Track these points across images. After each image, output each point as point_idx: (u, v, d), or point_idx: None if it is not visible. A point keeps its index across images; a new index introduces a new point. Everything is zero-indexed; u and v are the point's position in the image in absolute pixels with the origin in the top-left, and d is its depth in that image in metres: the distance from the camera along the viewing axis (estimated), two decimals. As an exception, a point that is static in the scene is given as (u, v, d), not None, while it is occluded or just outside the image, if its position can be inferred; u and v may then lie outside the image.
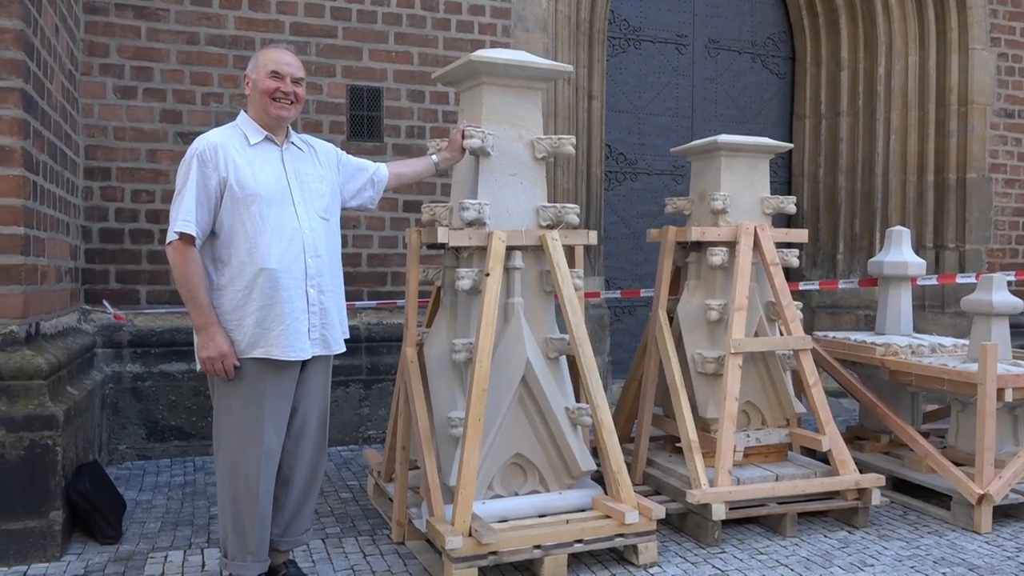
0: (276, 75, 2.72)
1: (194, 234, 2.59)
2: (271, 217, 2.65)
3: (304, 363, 2.76)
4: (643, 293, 5.31)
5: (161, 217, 4.73)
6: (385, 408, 4.91)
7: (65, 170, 4.09)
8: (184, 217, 2.58)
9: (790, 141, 7.24)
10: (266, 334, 2.63)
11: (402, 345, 3.53)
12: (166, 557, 3.22)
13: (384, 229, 5.17)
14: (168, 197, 4.66)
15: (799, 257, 4.11)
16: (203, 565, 3.15)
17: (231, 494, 2.69)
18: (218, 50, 4.84)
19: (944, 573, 3.13)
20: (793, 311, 3.78)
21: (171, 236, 2.60)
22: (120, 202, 4.70)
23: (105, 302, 4.52)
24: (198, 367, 2.70)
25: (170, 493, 4.04)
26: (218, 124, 4.32)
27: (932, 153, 6.84)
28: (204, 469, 4.46)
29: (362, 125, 5.10)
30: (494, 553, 2.93)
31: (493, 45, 5.36)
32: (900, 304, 4.50)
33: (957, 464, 3.79)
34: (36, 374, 3.21)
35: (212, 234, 2.67)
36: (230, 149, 2.65)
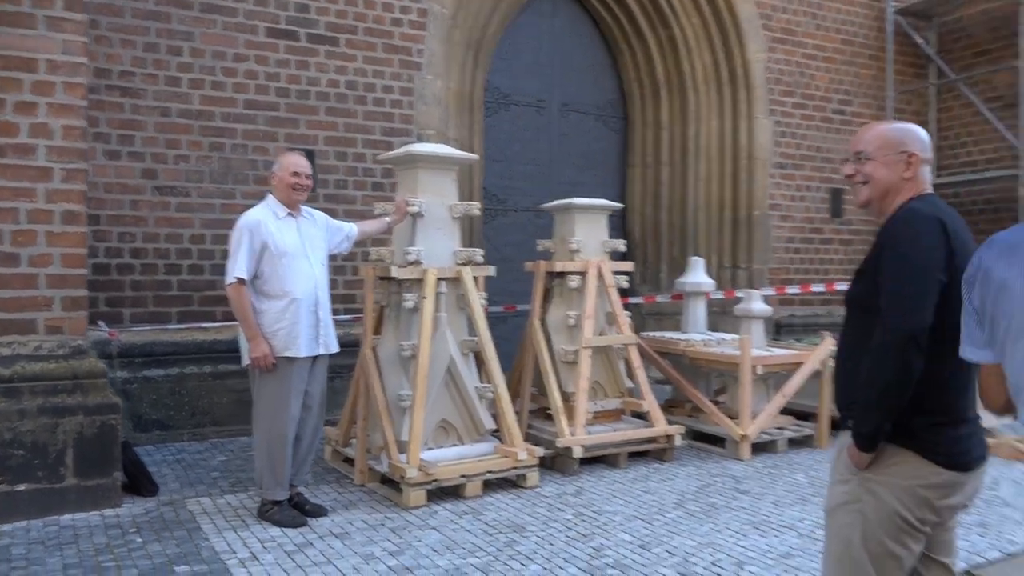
0: (296, 174, 4.19)
1: (247, 278, 4.03)
2: (294, 266, 4.12)
3: (313, 359, 4.24)
4: (519, 308, 6.98)
5: (140, 254, 5.96)
6: (335, 398, 6.30)
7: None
8: (240, 267, 4.01)
9: (624, 185, 9.19)
10: (293, 341, 4.09)
11: (361, 347, 5.01)
12: (199, 502, 4.56)
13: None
14: (147, 238, 5.97)
15: (630, 279, 5.90)
16: (228, 504, 4.52)
17: (268, 446, 4.13)
18: (186, 121, 6.12)
19: (717, 479, 4.98)
20: (624, 318, 5.57)
21: (231, 279, 4.03)
22: (108, 242, 5.88)
23: (100, 322, 5.70)
24: (243, 364, 4.14)
25: (172, 466, 5.31)
26: (187, 180, 5.75)
27: (730, 196, 8.93)
28: (185, 451, 5.72)
29: (300, 179, 6.49)
30: (436, 480, 4.50)
31: (400, 117, 6.90)
32: (697, 312, 6.40)
33: (731, 417, 5.69)
34: (101, 374, 4.49)
35: (255, 277, 4.10)
36: (267, 223, 4.11)
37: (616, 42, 9.10)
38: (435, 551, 3.78)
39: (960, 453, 2.04)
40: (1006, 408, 1.74)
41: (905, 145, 2.19)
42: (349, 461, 5.20)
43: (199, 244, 6.16)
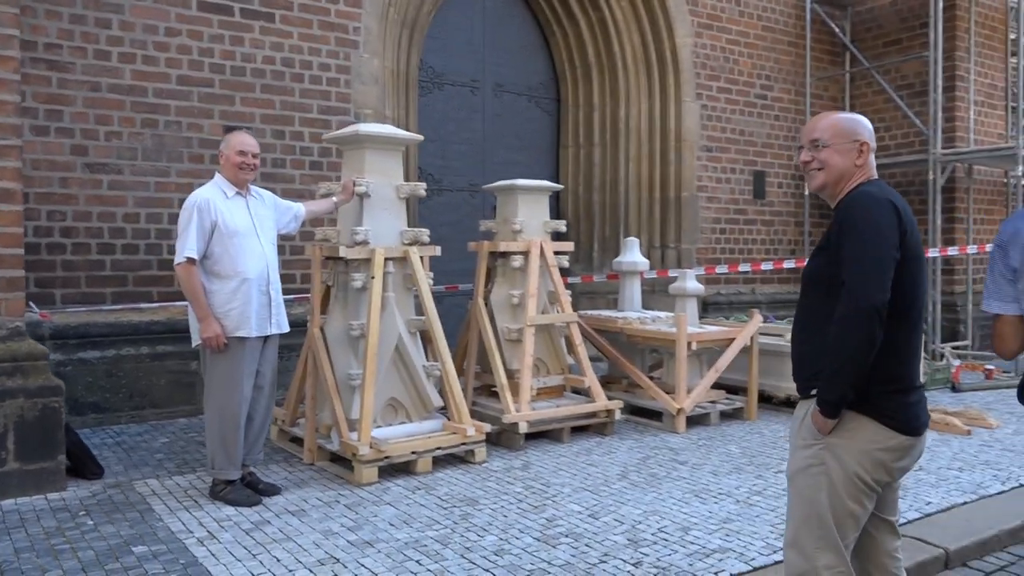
0: (242, 153, 4.16)
1: (196, 257, 3.99)
2: (245, 246, 4.11)
3: (265, 339, 4.24)
4: (461, 287, 7.06)
5: (71, 233, 5.80)
6: (281, 378, 6.27)
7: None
8: (190, 247, 3.97)
9: (557, 165, 9.34)
10: (245, 321, 4.09)
11: (308, 327, 5.01)
12: (146, 483, 4.52)
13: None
14: (78, 217, 5.81)
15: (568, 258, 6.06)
16: (176, 485, 4.49)
17: (220, 426, 4.12)
18: (117, 96, 5.95)
19: (657, 451, 5.20)
20: (566, 297, 5.73)
21: (180, 259, 3.99)
22: (37, 221, 5.69)
23: (31, 304, 5.53)
24: (193, 344, 4.11)
25: (113, 449, 5.22)
26: (119, 157, 5.64)
27: (659, 176, 9.19)
28: (124, 434, 5.63)
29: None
30: (387, 457, 4.57)
31: (338, 96, 6.86)
32: (633, 290, 6.61)
33: (667, 392, 5.92)
34: (42, 356, 4.39)
35: (204, 257, 4.07)
36: (216, 201, 4.07)
37: (548, 24, 9.20)
38: (392, 525, 3.86)
39: (911, 419, 2.24)
40: (1016, 353, 2.42)
41: (858, 134, 2.36)
42: (296, 441, 5.22)
43: (133, 223, 6.02)
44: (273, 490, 4.31)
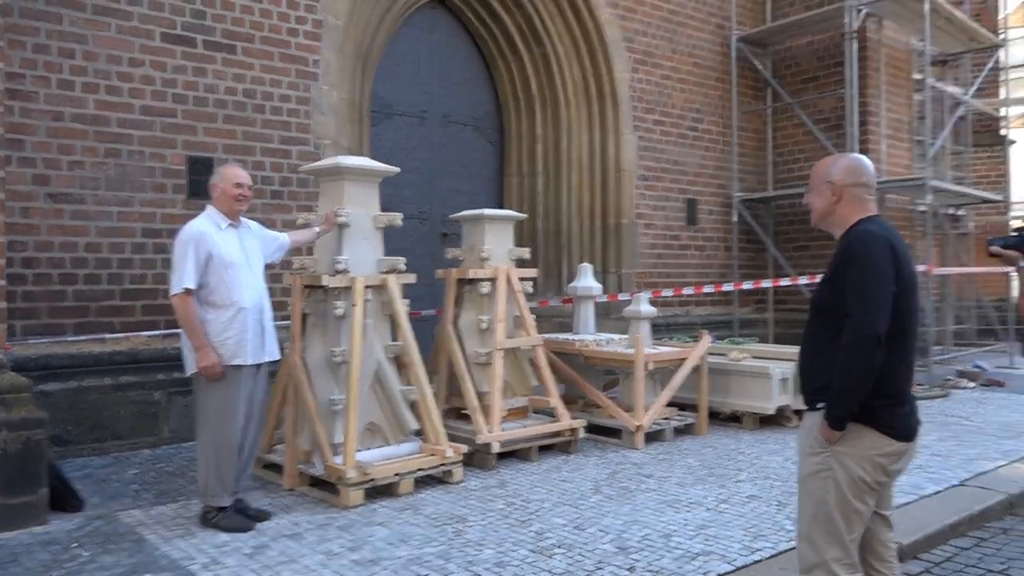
0: (239, 185, 4.28)
1: (193, 288, 4.09)
2: (240, 276, 4.22)
3: (257, 366, 4.35)
4: (423, 313, 7.23)
5: (33, 263, 5.73)
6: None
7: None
8: (188, 278, 4.07)
9: (502, 194, 9.63)
10: (241, 349, 4.19)
11: (289, 354, 5.11)
12: (130, 514, 4.52)
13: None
14: (39, 247, 5.77)
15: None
16: (162, 514, 4.51)
17: (215, 453, 4.20)
18: (80, 126, 5.93)
19: (622, 467, 5.49)
20: (531, 321, 5.99)
21: (178, 290, 4.07)
22: (-3, 251, 5.61)
23: (-9, 335, 5.44)
24: (187, 373, 4.19)
25: (82, 481, 5.17)
26: (82, 187, 5.65)
27: (600, 204, 9.58)
28: (89, 466, 5.56)
29: (199, 188, 6.42)
30: (372, 480, 4.71)
31: (298, 127, 6.98)
32: (588, 314, 6.93)
33: (626, 410, 6.23)
34: (25, 388, 4.37)
35: (200, 287, 4.16)
36: (211, 234, 4.18)
37: (492, 57, 9.52)
38: (391, 544, 4.01)
39: (906, 427, 2.59)
40: None
41: (828, 176, 2.69)
42: (272, 467, 5.30)
43: (95, 253, 5.99)
44: (264, 515, 4.39)
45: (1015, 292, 10.92)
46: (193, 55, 6.43)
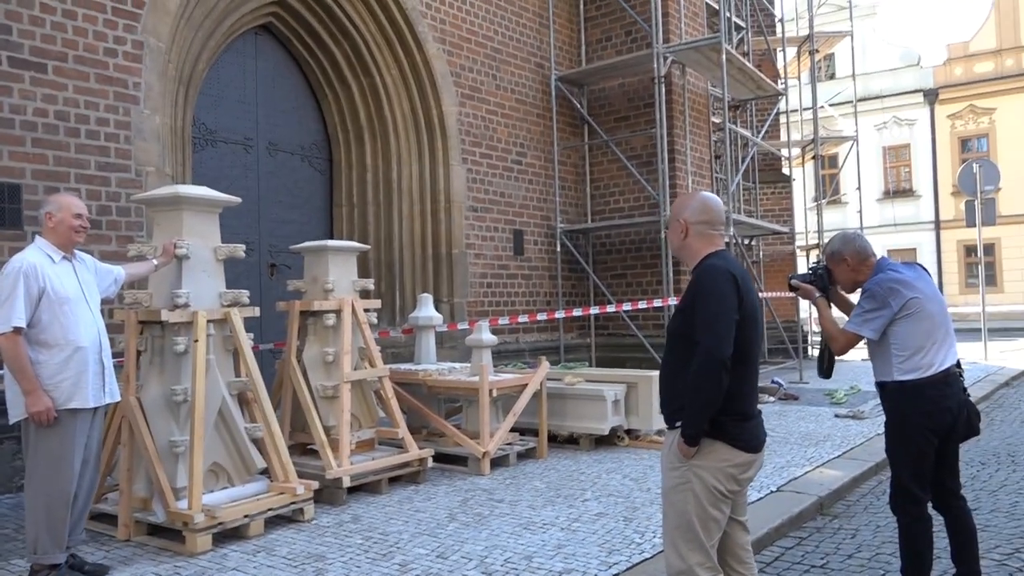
0: (79, 216, 4.00)
1: (23, 327, 3.75)
2: (77, 312, 3.93)
3: (94, 410, 4.04)
4: (260, 347, 6.96)
5: None
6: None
7: None
8: (17, 315, 3.73)
9: (331, 224, 9.51)
10: (79, 392, 3.89)
11: (124, 395, 4.77)
12: (-62, 581, 4.04)
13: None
14: None
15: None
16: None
17: (46, 506, 3.85)
18: None
19: (473, 494, 5.57)
20: (377, 352, 5.96)
21: (5, 329, 3.72)
22: None
23: None
24: (12, 420, 3.83)
25: None
26: None
27: (431, 234, 9.69)
28: None
29: (3, 216, 5.88)
30: (221, 523, 4.49)
31: (117, 152, 6.56)
32: (429, 343, 6.98)
33: (471, 437, 6.33)
34: None
35: (29, 326, 3.82)
36: (43, 267, 3.87)
37: (320, 86, 9.43)
38: (250, 589, 3.85)
39: (753, 439, 2.86)
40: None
41: (679, 214, 2.97)
42: (101, 517, 4.91)
43: None
44: (101, 570, 4.07)
45: (813, 316, 12.17)
46: (-3, 72, 5.90)
